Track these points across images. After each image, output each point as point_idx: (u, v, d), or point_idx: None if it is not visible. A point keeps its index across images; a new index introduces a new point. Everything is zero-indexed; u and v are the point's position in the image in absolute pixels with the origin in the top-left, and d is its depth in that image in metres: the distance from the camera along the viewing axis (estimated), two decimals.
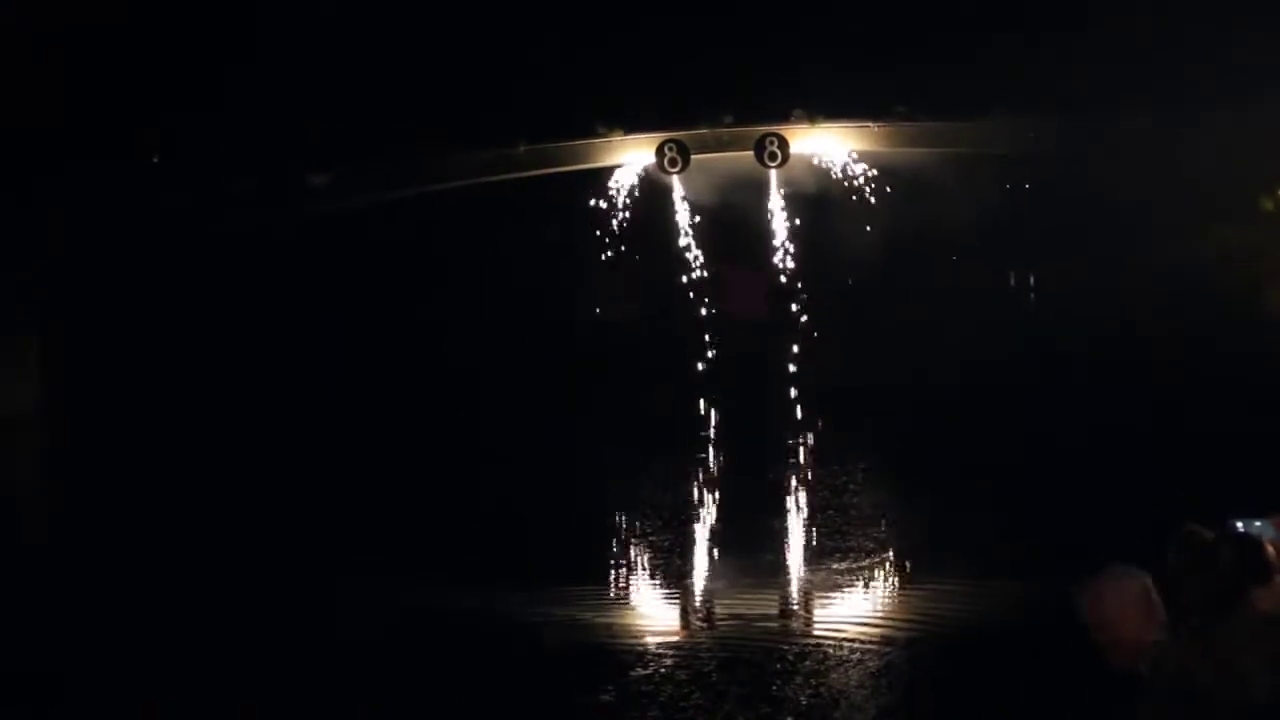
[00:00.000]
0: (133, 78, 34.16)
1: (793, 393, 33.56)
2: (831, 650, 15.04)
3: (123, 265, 33.65)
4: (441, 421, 30.99)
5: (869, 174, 37.25)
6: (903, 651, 14.95)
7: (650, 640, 15.96)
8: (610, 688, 14.17)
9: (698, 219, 38.41)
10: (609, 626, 16.77)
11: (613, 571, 19.47)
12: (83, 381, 32.75)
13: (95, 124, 33.29)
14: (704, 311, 38.26)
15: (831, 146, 37.11)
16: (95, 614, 17.15)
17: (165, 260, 33.73)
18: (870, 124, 36.51)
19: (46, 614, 17.42)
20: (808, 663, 14.70)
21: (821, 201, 37.31)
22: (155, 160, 34.85)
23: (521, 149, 36.19)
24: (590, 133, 37.06)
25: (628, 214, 37.79)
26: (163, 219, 33.92)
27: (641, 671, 14.64)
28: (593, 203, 37.74)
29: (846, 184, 37.16)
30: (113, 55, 33.77)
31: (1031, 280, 44.55)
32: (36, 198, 32.64)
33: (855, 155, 37.08)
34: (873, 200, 37.05)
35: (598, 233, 37.55)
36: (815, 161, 37.04)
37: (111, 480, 26.16)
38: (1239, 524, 6.32)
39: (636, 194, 37.85)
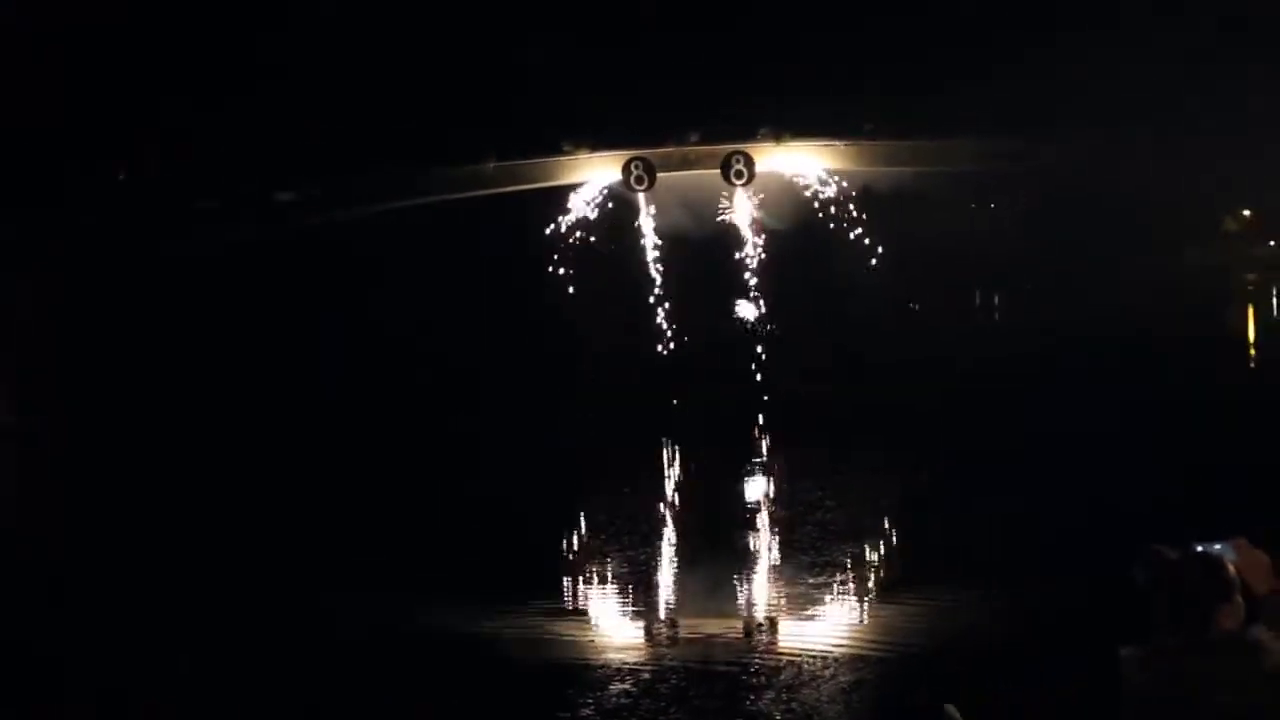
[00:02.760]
0: (124, 90, 34.52)
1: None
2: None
3: (113, 275, 34.08)
4: (418, 429, 31.51)
5: (839, 191, 37.73)
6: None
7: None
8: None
9: (661, 240, 38.72)
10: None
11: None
12: (77, 389, 33.12)
13: (89, 134, 33.64)
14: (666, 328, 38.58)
15: (799, 164, 37.59)
16: (93, 619, 17.52)
17: (154, 272, 34.16)
18: (837, 142, 37.04)
19: (47, 619, 17.76)
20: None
21: (791, 218, 37.76)
22: (144, 174, 35.11)
23: (491, 166, 36.57)
24: (558, 150, 37.45)
25: (594, 231, 38.15)
26: (150, 231, 34.36)
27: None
28: (560, 220, 38.09)
29: (816, 201, 37.64)
30: (105, 66, 34.14)
31: (996, 299, 45.35)
32: (32, 204, 33.00)
33: (826, 173, 37.56)
34: (843, 217, 37.52)
35: (562, 250, 37.88)
36: (786, 178, 37.50)
37: (106, 489, 26.55)
38: (1199, 546, 6.77)
39: (603, 211, 38.20)
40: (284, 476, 26.80)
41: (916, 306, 41.64)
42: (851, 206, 37.51)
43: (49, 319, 34.80)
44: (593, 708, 14.46)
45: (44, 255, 34.50)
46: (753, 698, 14.63)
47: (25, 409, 33.87)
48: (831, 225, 37.58)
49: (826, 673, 15.22)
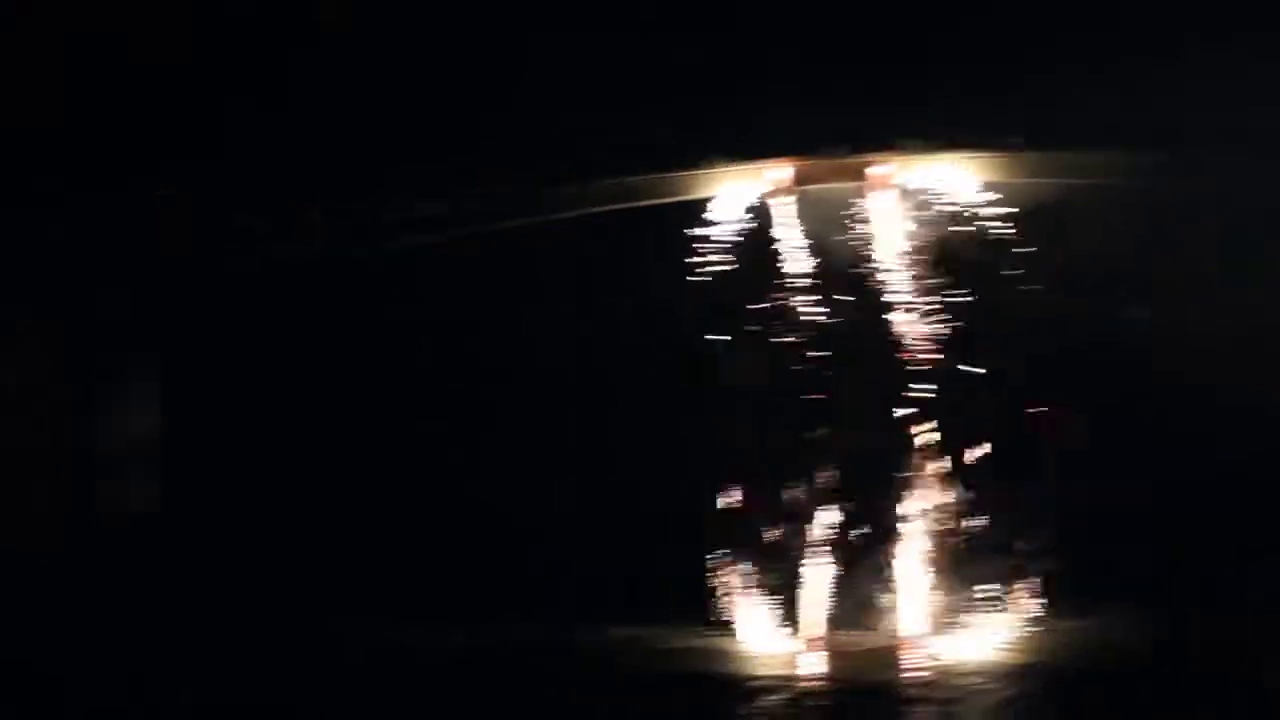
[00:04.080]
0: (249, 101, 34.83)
1: None
2: None
3: (234, 286, 34.41)
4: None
5: (992, 204, 36.91)
6: None
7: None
8: None
9: (803, 253, 38.22)
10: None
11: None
12: (199, 403, 33.46)
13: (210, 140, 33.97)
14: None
15: (948, 176, 36.92)
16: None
17: (270, 284, 34.45)
18: (990, 153, 36.32)
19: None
20: None
21: (944, 232, 37.06)
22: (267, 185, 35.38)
23: (627, 180, 36.32)
24: (695, 163, 37.14)
25: (733, 246, 37.70)
26: (267, 243, 34.63)
27: None
28: (698, 236, 37.68)
29: (969, 214, 36.89)
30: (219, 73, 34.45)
31: (1151, 315, 44.04)
32: (145, 212, 33.36)
33: (977, 184, 36.83)
34: (998, 230, 36.71)
35: (702, 264, 37.46)
36: (933, 191, 36.91)
37: (233, 499, 26.72)
38: None
39: (742, 225, 37.78)
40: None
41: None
42: (1004, 220, 36.66)
43: (195, 325, 35.11)
44: None
45: (196, 257, 34.78)
46: None
47: (171, 416, 34.25)
48: (984, 239, 36.77)
49: None
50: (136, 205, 33.79)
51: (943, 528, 25.22)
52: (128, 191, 33.73)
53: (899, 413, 35.93)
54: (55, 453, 32.07)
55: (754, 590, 20.03)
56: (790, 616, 18.48)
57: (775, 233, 37.34)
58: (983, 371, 36.08)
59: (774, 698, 14.62)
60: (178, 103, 34.06)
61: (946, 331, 36.75)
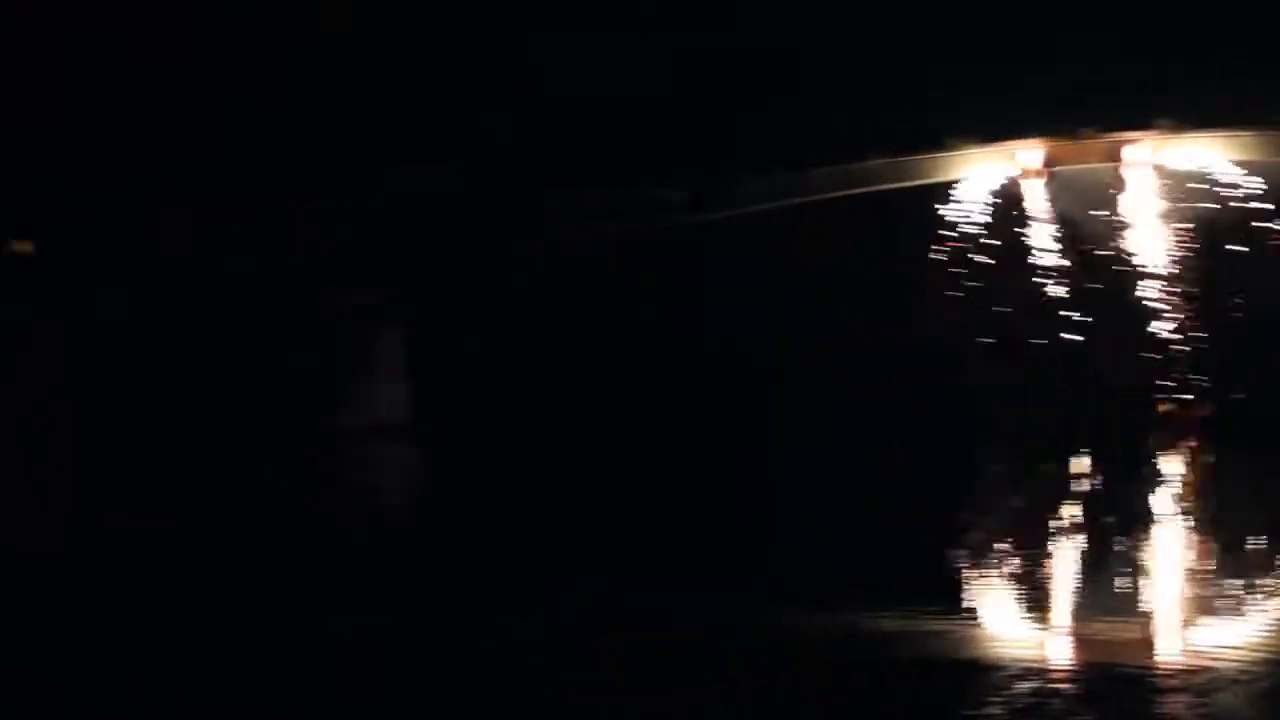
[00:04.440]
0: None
1: None
2: None
3: (473, 275, 35.59)
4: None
5: (1249, 184, 36.05)
6: None
7: None
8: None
9: (1056, 236, 37.79)
10: None
11: None
12: (444, 388, 34.63)
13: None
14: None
15: (1203, 156, 36.19)
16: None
17: (517, 272, 35.55)
18: (1245, 132, 35.53)
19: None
20: None
21: (1195, 213, 36.35)
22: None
23: (877, 163, 36.42)
24: (943, 145, 37.06)
25: (984, 228, 37.48)
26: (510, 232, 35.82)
27: None
28: (946, 218, 37.53)
29: (1225, 196, 36.10)
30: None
31: None
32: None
33: (1233, 164, 36.00)
34: (1256, 212, 35.85)
35: (953, 247, 37.32)
36: (1190, 171, 36.17)
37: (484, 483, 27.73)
38: None
39: (991, 207, 37.49)
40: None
41: None
42: (1266, 201, 35.79)
43: (437, 323, 36.30)
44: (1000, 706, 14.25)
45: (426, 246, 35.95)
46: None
47: (417, 410, 35.40)
48: (1244, 221, 35.93)
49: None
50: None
51: (1199, 508, 24.94)
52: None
53: (1156, 390, 35.62)
54: None
55: (1006, 574, 20.12)
56: (1043, 600, 18.56)
57: (1026, 214, 37.08)
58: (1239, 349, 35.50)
59: (1024, 685, 14.76)
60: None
61: (1202, 312, 36.22)
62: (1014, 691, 14.55)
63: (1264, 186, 35.96)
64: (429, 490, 30.98)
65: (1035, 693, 14.49)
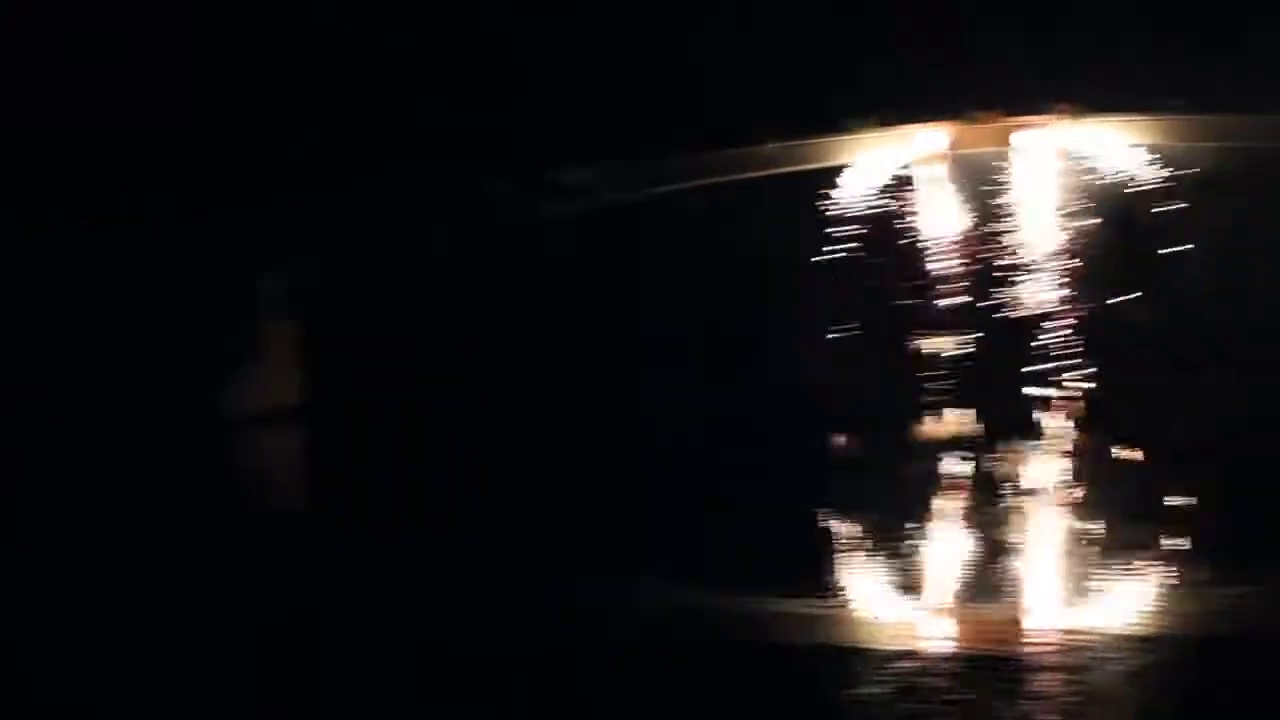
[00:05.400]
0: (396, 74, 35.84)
1: None
2: None
3: (375, 262, 35.46)
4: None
5: (1146, 170, 36.39)
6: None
7: None
8: None
9: (952, 220, 37.97)
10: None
11: None
12: (336, 375, 34.45)
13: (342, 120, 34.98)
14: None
15: (1101, 141, 36.48)
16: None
17: (417, 259, 35.42)
18: (1145, 116, 35.83)
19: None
20: None
21: (1092, 199, 36.67)
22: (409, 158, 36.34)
23: (771, 146, 36.43)
24: (838, 127, 37.11)
25: (878, 212, 37.58)
26: (416, 217, 35.64)
27: None
28: (842, 200, 37.57)
29: (1122, 181, 36.41)
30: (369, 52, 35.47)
31: None
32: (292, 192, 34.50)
33: (1132, 150, 36.29)
34: (1152, 197, 36.19)
35: (845, 232, 37.40)
36: (1086, 156, 36.48)
37: (366, 471, 27.53)
38: None
39: (887, 191, 37.59)
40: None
41: None
42: (1161, 186, 36.13)
43: (333, 303, 36.12)
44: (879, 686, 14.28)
45: (325, 238, 35.88)
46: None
47: (308, 392, 35.21)
48: (1140, 206, 36.29)
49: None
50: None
51: (1077, 489, 25.20)
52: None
53: (1039, 371, 35.95)
54: None
55: (872, 553, 20.16)
56: (912, 581, 18.57)
57: (921, 197, 37.24)
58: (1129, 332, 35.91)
59: (902, 665, 14.78)
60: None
61: (1092, 296, 36.56)
62: (892, 671, 14.60)
63: (1161, 170, 36.28)
64: (294, 478, 30.73)
65: (913, 673, 14.54)
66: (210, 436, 32.63)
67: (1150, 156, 36.37)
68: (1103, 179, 36.63)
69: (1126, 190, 36.44)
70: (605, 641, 16.14)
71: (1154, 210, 36.25)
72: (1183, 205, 35.95)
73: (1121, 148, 36.61)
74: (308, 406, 35.23)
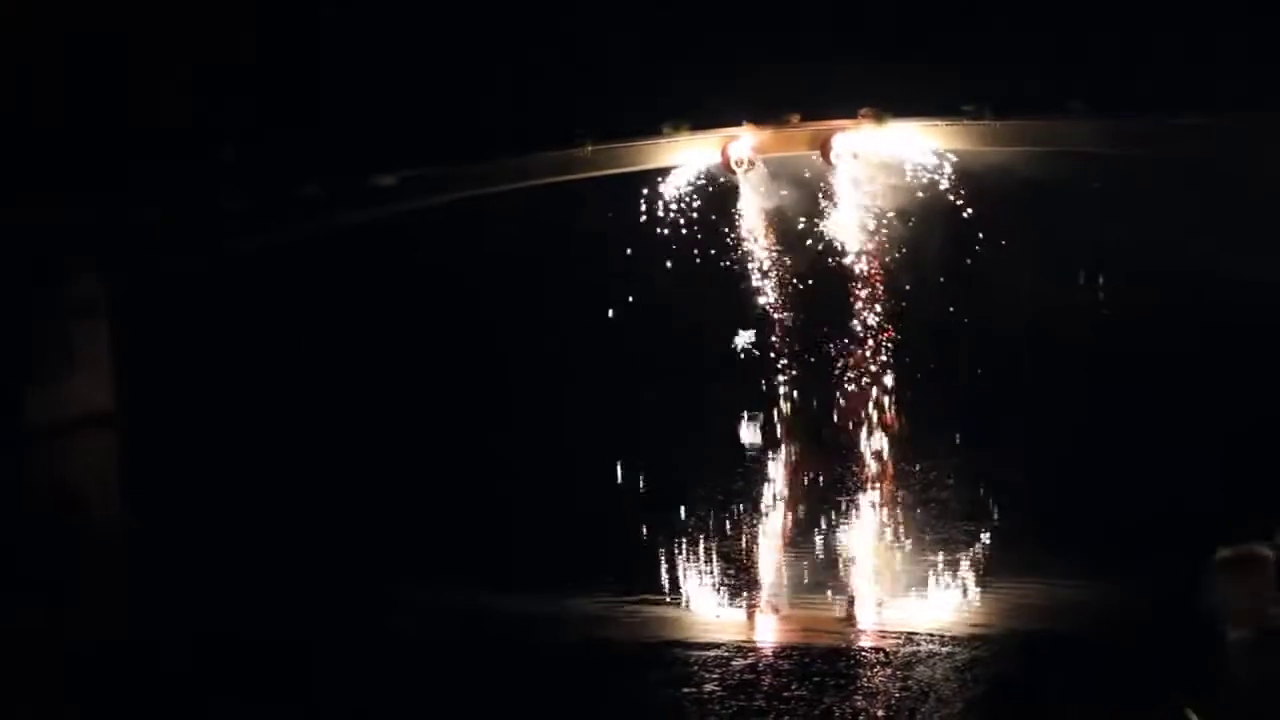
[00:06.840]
0: (201, 79, 35.86)
1: None
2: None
3: (188, 265, 35.39)
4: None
5: (946, 173, 37.99)
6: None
7: None
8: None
9: (760, 222, 39.12)
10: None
11: None
12: (153, 379, 34.31)
13: (163, 122, 34.94)
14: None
15: (904, 145, 37.90)
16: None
17: (231, 261, 35.42)
18: (942, 122, 37.33)
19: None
20: None
21: (895, 201, 38.12)
22: (224, 161, 36.38)
23: (588, 150, 37.15)
24: (656, 132, 37.94)
25: (691, 215, 38.62)
26: (228, 220, 35.67)
27: None
28: (655, 203, 38.53)
29: (921, 182, 37.93)
30: (179, 55, 35.45)
31: (1100, 280, 45.25)
32: (104, 194, 34.35)
33: (934, 154, 37.86)
34: (951, 198, 37.81)
35: (658, 234, 38.37)
36: (891, 159, 37.83)
37: (185, 477, 27.69)
38: None
39: (700, 194, 38.62)
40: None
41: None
42: (958, 189, 37.78)
43: (143, 308, 35.94)
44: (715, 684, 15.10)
45: (135, 243, 35.74)
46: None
47: (124, 397, 34.98)
48: (938, 208, 37.86)
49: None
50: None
51: (897, 489, 26.14)
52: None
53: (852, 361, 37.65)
54: None
55: (709, 558, 20.87)
56: (748, 581, 19.38)
57: (732, 202, 38.33)
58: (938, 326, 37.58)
59: (739, 662, 15.55)
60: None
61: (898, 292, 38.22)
62: (730, 669, 15.47)
63: (961, 174, 37.89)
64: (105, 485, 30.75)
65: (748, 669, 15.44)
66: (12, 443, 32.33)
67: (956, 159, 37.95)
68: (910, 181, 38.08)
69: (932, 192, 37.97)
70: (424, 642, 16.76)
71: (959, 211, 37.90)
72: (988, 206, 37.69)
73: (928, 151, 38.08)
74: (120, 412, 35.01)
